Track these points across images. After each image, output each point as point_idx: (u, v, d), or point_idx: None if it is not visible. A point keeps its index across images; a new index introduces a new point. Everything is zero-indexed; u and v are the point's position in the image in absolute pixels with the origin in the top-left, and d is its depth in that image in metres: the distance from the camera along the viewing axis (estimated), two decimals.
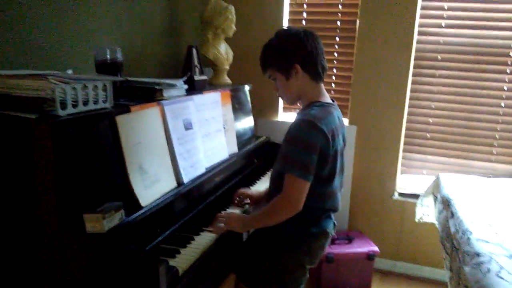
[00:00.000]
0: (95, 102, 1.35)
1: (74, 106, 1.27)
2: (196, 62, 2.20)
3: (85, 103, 1.31)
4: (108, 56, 1.68)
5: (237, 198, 1.93)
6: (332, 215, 1.73)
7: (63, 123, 1.21)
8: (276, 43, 1.62)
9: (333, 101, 1.69)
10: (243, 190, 1.96)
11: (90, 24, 1.87)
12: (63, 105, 1.23)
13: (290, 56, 1.58)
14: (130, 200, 1.39)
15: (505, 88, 2.65)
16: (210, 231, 1.63)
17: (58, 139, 1.20)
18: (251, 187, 2.10)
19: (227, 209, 1.88)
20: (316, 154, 1.51)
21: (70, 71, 1.58)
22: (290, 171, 1.51)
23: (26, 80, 1.26)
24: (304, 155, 1.49)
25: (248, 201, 1.95)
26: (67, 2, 1.73)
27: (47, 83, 1.22)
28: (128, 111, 1.45)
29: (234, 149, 2.17)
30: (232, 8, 2.49)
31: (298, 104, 1.72)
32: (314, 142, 1.50)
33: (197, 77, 2.13)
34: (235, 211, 1.86)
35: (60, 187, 1.23)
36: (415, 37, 2.73)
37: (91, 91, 1.33)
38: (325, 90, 1.68)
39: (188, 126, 1.76)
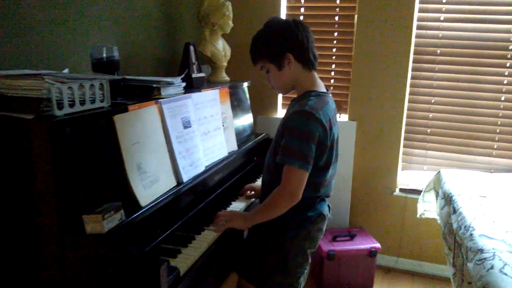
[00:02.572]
0: (92, 102, 1.33)
1: (71, 106, 1.25)
2: (193, 59, 2.17)
3: (82, 102, 1.29)
4: (105, 55, 1.66)
5: (248, 192, 2.01)
6: (326, 199, 1.73)
7: (60, 123, 1.19)
8: (266, 33, 1.61)
9: (327, 89, 1.68)
10: (249, 184, 2.05)
11: (86, 22, 1.84)
12: (60, 105, 1.21)
13: (282, 46, 1.57)
14: (130, 200, 1.38)
15: (505, 81, 2.64)
16: (212, 230, 1.62)
17: (55, 140, 1.19)
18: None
19: (228, 207, 1.87)
20: (315, 144, 1.51)
21: (66, 71, 1.56)
22: (290, 162, 1.50)
23: (22, 80, 1.24)
24: (303, 145, 1.49)
25: (253, 192, 2.00)
26: (63, 0, 1.71)
27: (43, 83, 1.20)
28: (125, 110, 1.43)
29: (234, 146, 2.15)
30: (229, 4, 2.47)
31: None
32: (313, 133, 1.50)
33: (195, 75, 2.10)
34: (241, 204, 1.90)
35: (58, 188, 1.21)
36: (414, 31, 2.71)
37: (88, 90, 1.31)
38: (318, 78, 1.67)
39: (186, 125, 1.74)
